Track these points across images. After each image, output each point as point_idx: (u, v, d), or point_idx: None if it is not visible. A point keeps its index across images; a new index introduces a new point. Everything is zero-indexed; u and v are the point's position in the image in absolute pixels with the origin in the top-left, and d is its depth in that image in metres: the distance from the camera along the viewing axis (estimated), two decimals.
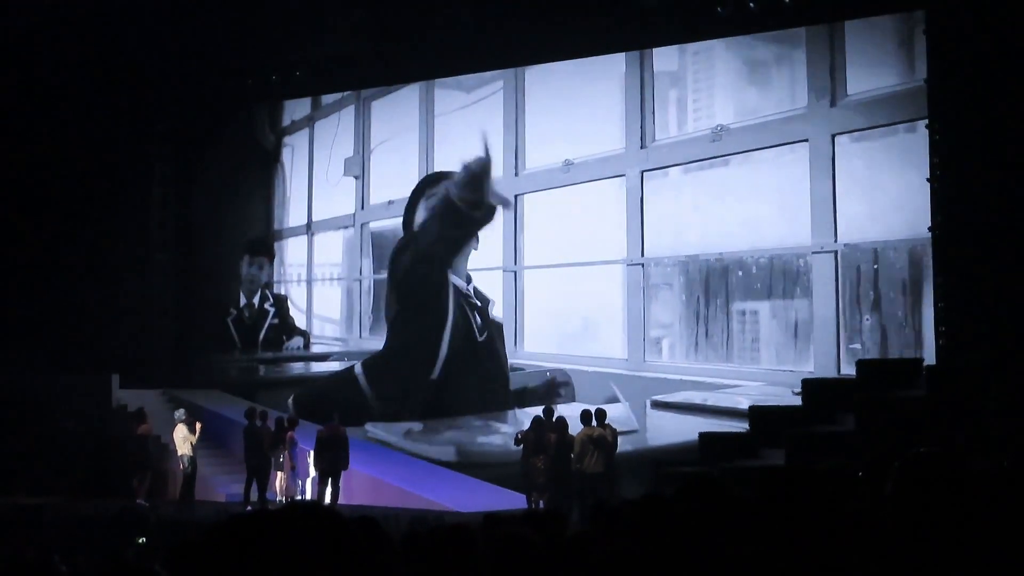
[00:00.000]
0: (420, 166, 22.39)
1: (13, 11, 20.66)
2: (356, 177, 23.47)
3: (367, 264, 23.23)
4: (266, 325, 24.17)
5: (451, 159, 21.69)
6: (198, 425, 19.37)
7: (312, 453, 18.36)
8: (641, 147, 19.75)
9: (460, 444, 19.23)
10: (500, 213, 21.10)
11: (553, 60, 20.75)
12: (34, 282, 22.62)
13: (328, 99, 24.20)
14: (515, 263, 21.01)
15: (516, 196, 21.11)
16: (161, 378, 23.45)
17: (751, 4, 18.00)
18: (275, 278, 24.55)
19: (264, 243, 24.63)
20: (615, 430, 16.76)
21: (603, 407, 17.16)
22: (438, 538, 4.72)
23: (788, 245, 18.30)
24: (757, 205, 18.62)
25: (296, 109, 24.77)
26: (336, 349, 23.65)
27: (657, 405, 18.94)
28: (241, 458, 19.15)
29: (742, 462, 15.12)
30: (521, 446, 16.99)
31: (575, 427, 16.74)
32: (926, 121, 16.19)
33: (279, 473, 18.67)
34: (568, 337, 20.66)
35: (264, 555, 2.07)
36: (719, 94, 19.66)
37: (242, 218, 24.81)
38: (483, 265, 21.23)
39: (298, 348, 23.93)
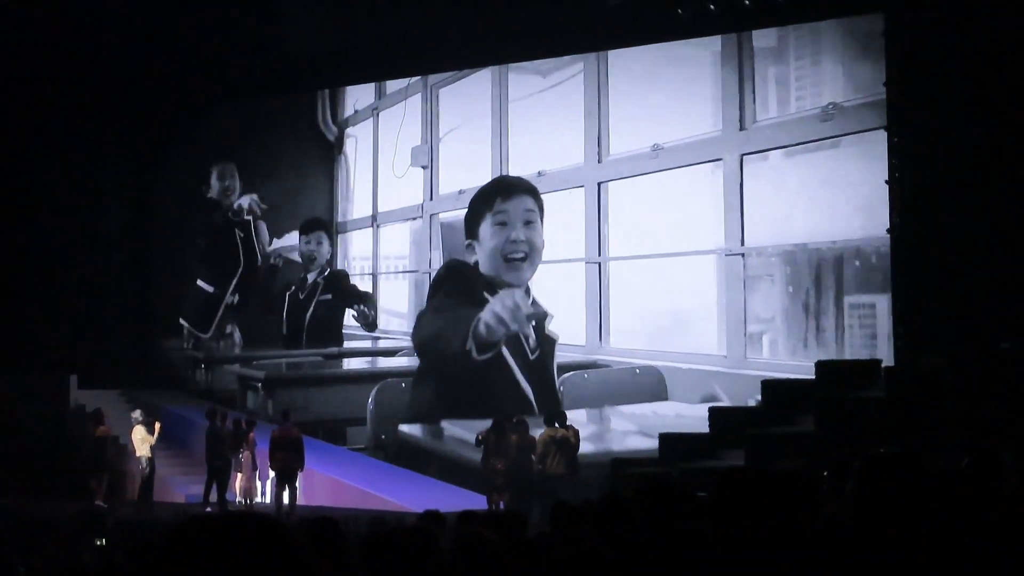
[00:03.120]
0: (493, 153, 21.61)
1: None
2: (424, 167, 22.85)
3: (437, 256, 22.42)
4: (314, 301, 23.75)
5: (526, 146, 21.04)
6: (157, 426, 19.26)
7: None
8: (740, 129, 18.43)
9: None
10: (583, 198, 20.36)
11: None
12: None
13: (392, 87, 23.69)
14: (599, 254, 20.09)
15: (600, 184, 20.15)
16: (120, 378, 23.32)
17: (711, 6, 17.97)
18: (338, 267, 24.18)
19: (318, 221, 24.23)
20: (577, 431, 16.75)
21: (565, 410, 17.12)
22: (397, 540, 4.71)
23: None
24: (873, 189, 16.70)
25: (360, 99, 24.39)
26: (405, 344, 22.71)
27: None
28: (200, 459, 19.08)
29: (701, 463, 15.16)
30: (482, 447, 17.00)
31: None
32: None
33: (238, 474, 18.62)
34: (657, 332, 19.52)
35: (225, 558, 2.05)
36: (827, 71, 18.28)
37: (301, 212, 24.46)
38: (564, 256, 20.43)
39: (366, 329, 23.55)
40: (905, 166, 15.82)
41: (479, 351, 18.79)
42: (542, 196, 20.23)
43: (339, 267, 24.22)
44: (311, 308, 23.72)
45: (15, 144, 22.84)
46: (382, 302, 23.83)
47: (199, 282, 24.50)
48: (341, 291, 23.79)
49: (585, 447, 17.49)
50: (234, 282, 24.36)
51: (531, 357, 19.51)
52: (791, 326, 18.06)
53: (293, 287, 24.05)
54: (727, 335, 18.50)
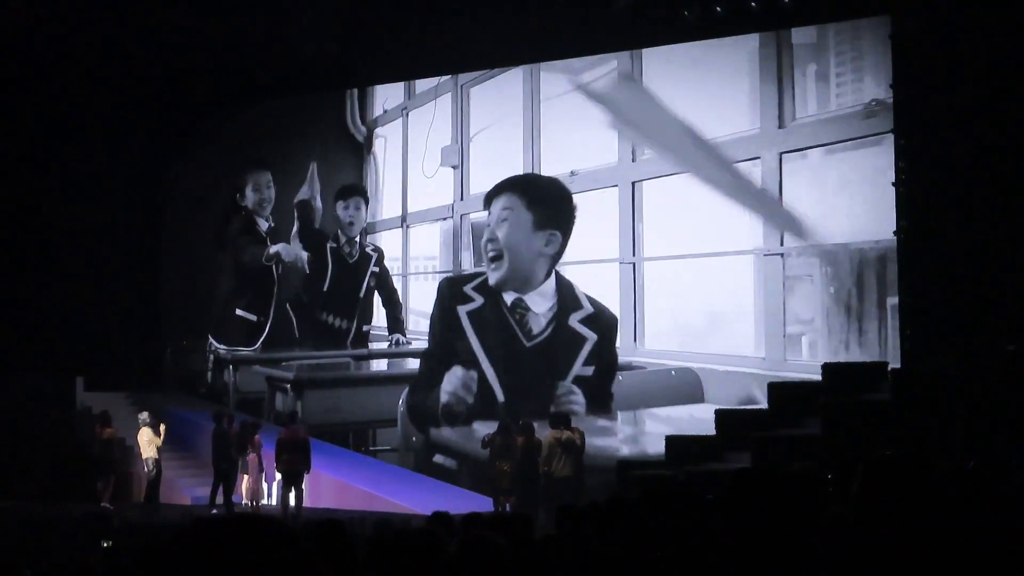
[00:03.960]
0: (525, 153, 21.30)
1: None
2: (454, 167, 22.59)
3: (467, 257, 22.14)
4: (369, 271, 23.36)
5: (558, 145, 20.75)
6: (163, 427, 19.25)
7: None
8: (779, 127, 18.06)
9: None
10: (617, 197, 19.96)
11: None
12: None
13: (422, 87, 23.48)
14: (633, 254, 19.74)
15: (634, 183, 19.75)
16: (127, 381, 23.32)
17: (718, 8, 17.91)
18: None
19: (355, 187, 23.94)
20: (583, 433, 16.71)
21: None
22: (403, 542, 4.71)
23: None
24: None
25: (389, 98, 24.22)
26: None
27: None
28: (206, 460, 19.10)
29: (707, 465, 15.13)
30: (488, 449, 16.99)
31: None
32: None
33: (244, 476, 18.63)
34: (694, 333, 19.24)
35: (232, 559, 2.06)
36: (868, 66, 17.72)
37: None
38: (598, 257, 20.12)
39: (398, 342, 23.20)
40: (912, 168, 15.81)
41: (451, 426, 19.19)
42: (577, 195, 19.79)
43: None
44: (367, 278, 23.43)
45: (23, 144, 22.87)
46: (412, 303, 23.59)
47: (239, 311, 24.16)
48: (385, 270, 23.55)
49: (621, 449, 17.43)
50: (273, 303, 24.11)
51: (527, 344, 19.29)
52: (832, 327, 17.64)
53: (333, 244, 23.60)
54: (766, 337, 18.19)
